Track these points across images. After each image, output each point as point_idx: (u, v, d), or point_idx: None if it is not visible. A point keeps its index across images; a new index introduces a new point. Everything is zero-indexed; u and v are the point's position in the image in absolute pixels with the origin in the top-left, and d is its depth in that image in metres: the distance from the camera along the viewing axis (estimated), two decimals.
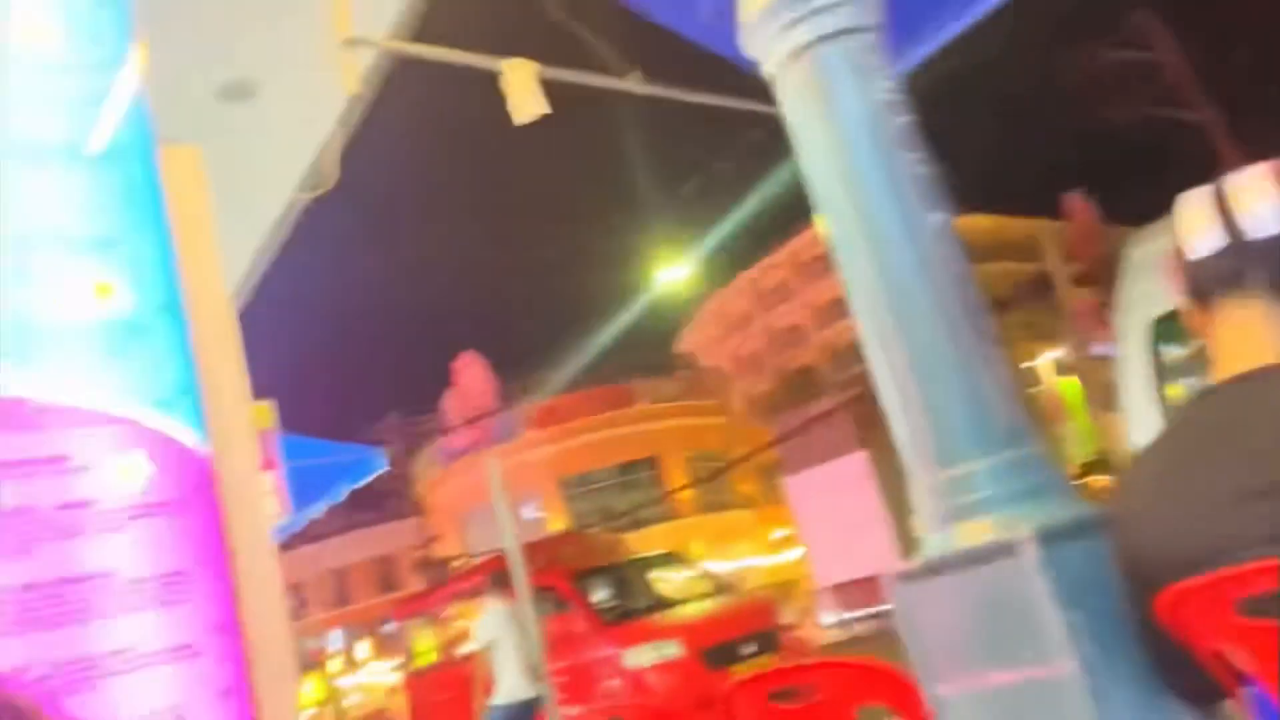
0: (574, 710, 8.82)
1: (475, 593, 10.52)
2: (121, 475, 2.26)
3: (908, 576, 1.93)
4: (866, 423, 20.64)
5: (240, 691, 2.25)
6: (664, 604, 10.11)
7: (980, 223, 37.45)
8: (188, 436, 2.40)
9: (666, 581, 10.97)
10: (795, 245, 48.19)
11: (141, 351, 2.40)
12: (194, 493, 2.36)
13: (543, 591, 8.75)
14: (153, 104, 2.64)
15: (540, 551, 10.07)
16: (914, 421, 2.02)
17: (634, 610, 9.92)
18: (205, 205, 2.89)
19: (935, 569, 1.84)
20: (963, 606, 1.79)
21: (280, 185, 4.09)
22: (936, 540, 1.93)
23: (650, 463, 34.23)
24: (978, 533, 1.82)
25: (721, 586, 11.00)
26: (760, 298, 51.16)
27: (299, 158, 3.99)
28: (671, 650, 8.76)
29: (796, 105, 2.09)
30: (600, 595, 10.34)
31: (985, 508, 1.88)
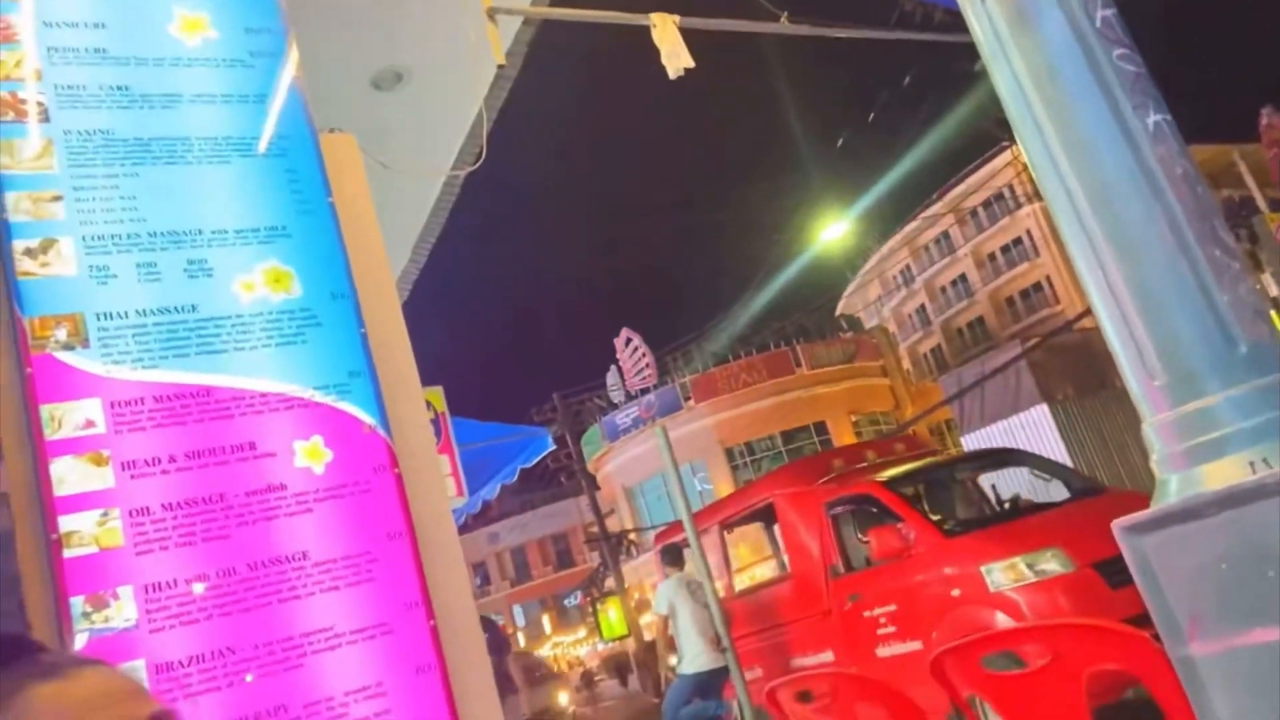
0: (907, 647, 6.46)
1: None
2: (305, 459, 2.30)
3: (1144, 526, 1.70)
4: (1046, 374, 19.44)
5: (434, 667, 2.25)
6: (1014, 511, 7.43)
7: None
8: (364, 420, 2.42)
9: (1007, 486, 8.26)
10: (954, 195, 46.14)
11: (316, 337, 2.44)
12: (374, 474, 2.38)
13: (853, 503, 7.19)
14: (308, 95, 2.67)
15: (835, 459, 8.33)
16: (1140, 351, 1.78)
17: (980, 519, 7.24)
18: (364, 192, 2.92)
19: (1179, 516, 1.61)
20: (1215, 557, 1.56)
21: (434, 167, 4.13)
22: (1177, 484, 1.69)
23: (816, 428, 33.68)
24: (1228, 473, 1.58)
25: (1089, 485, 7.78)
26: (921, 252, 49.34)
27: (451, 139, 4.01)
28: (1052, 564, 6.10)
29: (992, 12, 1.86)
30: (930, 503, 7.60)
31: (1234, 445, 1.63)
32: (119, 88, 2.45)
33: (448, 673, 2.27)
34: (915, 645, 6.38)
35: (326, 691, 2.13)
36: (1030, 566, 6.12)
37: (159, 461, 2.15)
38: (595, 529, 29.36)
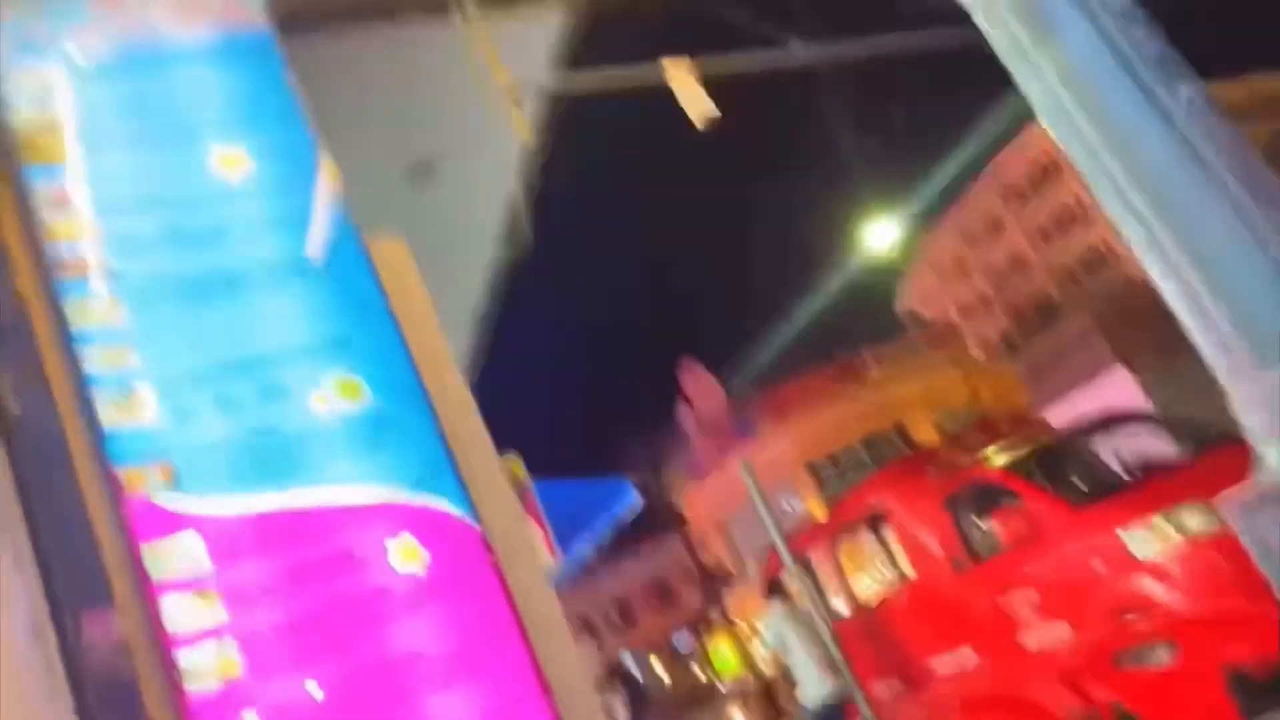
0: (1054, 631, 5.88)
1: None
2: (400, 560, 2.33)
3: (1254, 502, 1.64)
4: (1120, 334, 18.81)
5: None
6: (1144, 472, 6.85)
7: (1225, 91, 33.75)
8: (452, 512, 2.45)
9: (1124, 449, 7.43)
10: (995, 172, 45.48)
11: (393, 439, 2.49)
12: (471, 566, 2.40)
13: (970, 491, 6.79)
14: (348, 201, 2.75)
15: (939, 451, 8.10)
16: (1214, 323, 1.72)
17: (1108, 485, 6.63)
18: (418, 287, 2.98)
19: None
20: None
21: (479, 250, 4.21)
22: (1278, 457, 1.63)
23: (896, 431, 33.14)
24: None
25: (1213, 436, 6.63)
26: (972, 236, 48.64)
27: (490, 219, 4.09)
28: (1196, 519, 5.31)
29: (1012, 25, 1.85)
30: (1051, 480, 6.92)
31: None
32: (171, 231, 2.55)
33: None
34: (1063, 627, 5.85)
35: None
36: (1173, 524, 5.47)
37: (263, 586, 2.20)
38: (693, 566, 29.18)
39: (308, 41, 3.01)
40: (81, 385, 2.32)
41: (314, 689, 2.14)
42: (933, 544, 6.97)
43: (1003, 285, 48.02)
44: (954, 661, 6.84)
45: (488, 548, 2.44)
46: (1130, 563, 5.50)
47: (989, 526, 6.47)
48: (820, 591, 8.29)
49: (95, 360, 2.35)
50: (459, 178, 3.85)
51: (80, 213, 2.52)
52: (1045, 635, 5.91)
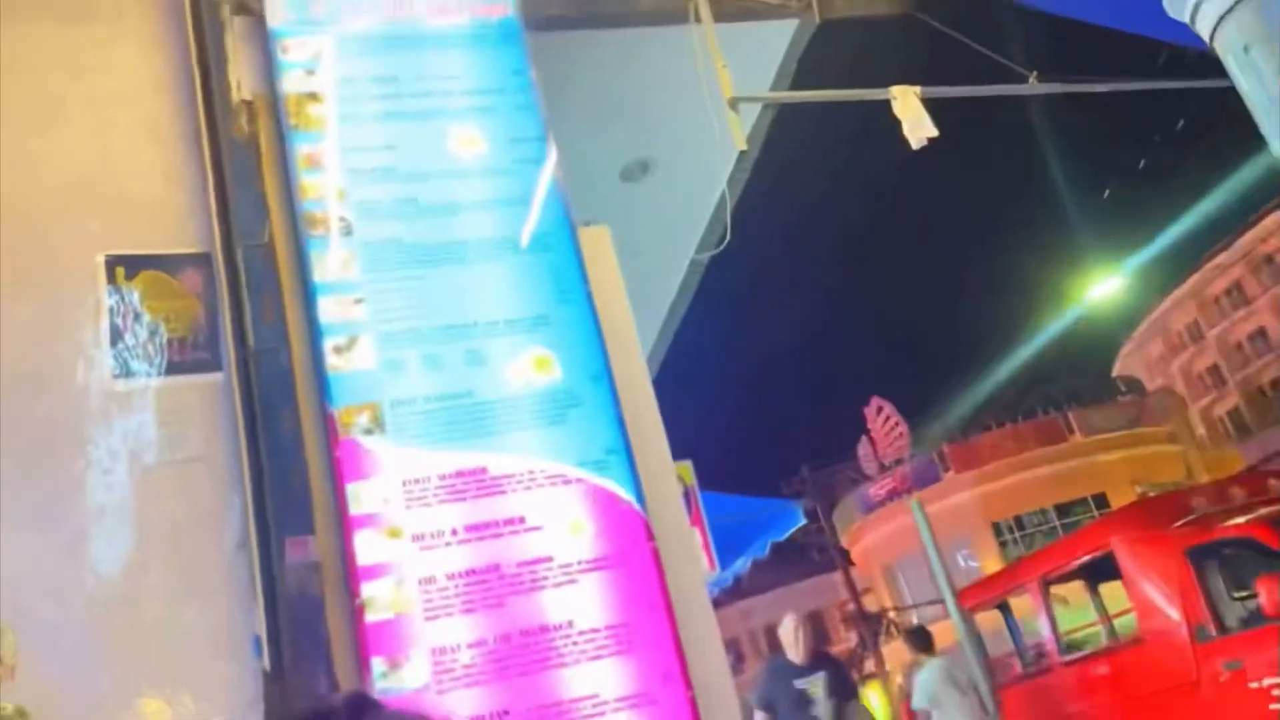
0: None
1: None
2: (569, 533, 2.44)
3: None
4: None
5: None
6: None
7: None
8: (622, 495, 2.54)
9: None
10: (1247, 240, 41.73)
11: (577, 417, 2.61)
12: (632, 548, 2.48)
13: (1226, 549, 5.92)
14: (564, 185, 2.91)
15: (1195, 499, 6.73)
16: None
17: None
18: (618, 280, 3.11)
19: None
20: None
21: (680, 251, 4.33)
22: None
23: (1095, 501, 31.01)
24: None
25: None
26: (1210, 305, 44.86)
27: (696, 223, 4.20)
28: None
29: (1249, 51, 1.75)
30: None
31: None
32: (408, 200, 2.78)
33: None
34: None
35: None
36: None
37: (443, 534, 2.36)
38: (851, 607, 28.38)
39: (549, 39, 3.20)
40: (314, 330, 2.56)
41: (475, 636, 2.27)
42: (1172, 604, 5.95)
43: (1240, 362, 44.04)
44: None
45: (651, 536, 2.52)
46: None
47: (1248, 592, 5.53)
48: (984, 651, 7.76)
49: (328, 310, 2.59)
50: (672, 177, 3.97)
51: (331, 176, 2.79)
52: None
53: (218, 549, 2.50)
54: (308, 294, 2.62)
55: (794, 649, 5.93)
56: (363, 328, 2.58)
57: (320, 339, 2.55)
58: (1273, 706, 5.08)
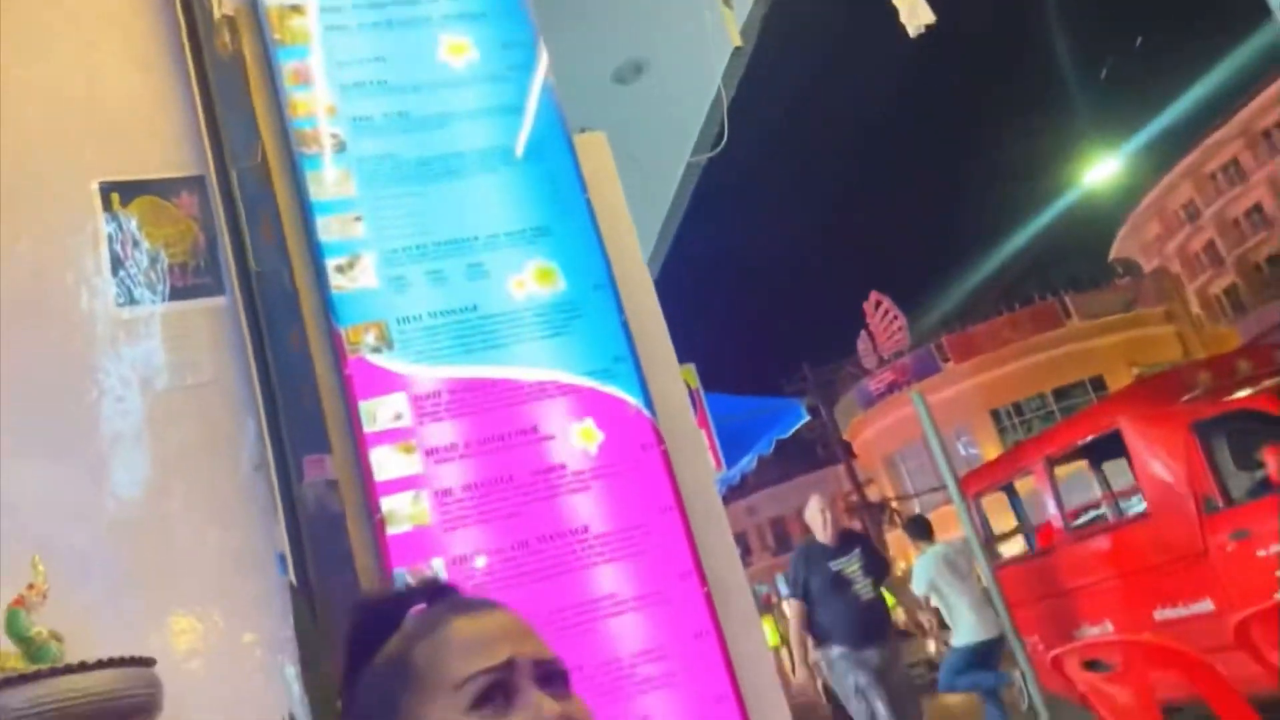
0: None
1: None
2: (580, 440, 2.48)
3: None
4: None
5: (711, 633, 2.38)
6: None
7: None
8: (630, 401, 2.58)
9: None
10: (1246, 116, 41.09)
11: (581, 327, 2.62)
12: (642, 452, 2.53)
13: (1234, 422, 5.91)
14: (559, 97, 2.86)
15: (1199, 373, 6.83)
16: None
17: None
18: (616, 186, 3.09)
19: None
20: None
21: (677, 153, 4.27)
22: None
23: (1093, 384, 31.31)
24: None
25: None
26: (1207, 183, 44.42)
27: (691, 124, 4.14)
28: None
29: None
30: None
31: None
32: (400, 114, 2.74)
33: (724, 637, 2.39)
34: None
35: (615, 653, 2.31)
36: None
37: (456, 447, 2.40)
38: (855, 498, 28.96)
39: None
40: (315, 250, 2.56)
41: (493, 545, 2.34)
42: (1179, 478, 6.01)
43: (1237, 239, 43.88)
44: (1189, 613, 5.96)
45: (660, 439, 2.56)
46: None
47: (1254, 463, 5.61)
48: (989, 533, 7.89)
49: (327, 228, 2.58)
50: (665, 78, 3.89)
51: (320, 92, 2.73)
52: None
53: (235, 471, 2.55)
54: (306, 213, 2.60)
55: (822, 531, 5.70)
56: (364, 246, 2.57)
57: (322, 258, 2.55)
58: (1279, 573, 5.20)
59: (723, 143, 3.79)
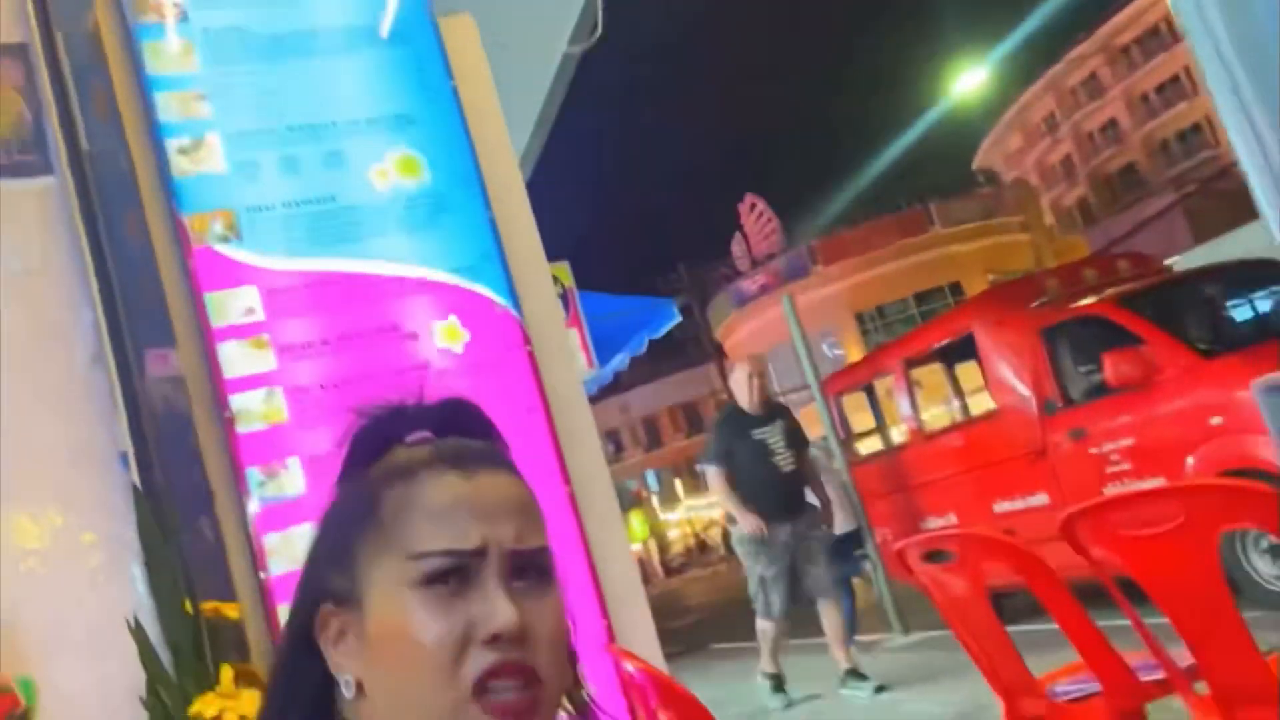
0: (1146, 484, 5.32)
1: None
2: (444, 339, 2.43)
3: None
4: (1205, 220, 18.12)
5: (572, 529, 2.41)
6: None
7: None
8: (496, 300, 2.52)
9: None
10: (1106, 31, 42.57)
11: (446, 221, 2.53)
12: (508, 352, 2.49)
13: (1077, 327, 6.12)
14: None
15: (1048, 281, 7.01)
16: None
17: (1241, 339, 5.86)
18: (485, 74, 2.95)
19: None
20: None
21: (550, 43, 4.11)
22: None
23: (951, 289, 32.68)
24: None
25: None
26: (1068, 97, 46.10)
27: (566, 12, 3.97)
28: None
29: None
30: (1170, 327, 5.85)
31: None
32: None
33: (587, 537, 2.42)
34: (1158, 481, 5.27)
35: None
36: None
37: (313, 344, 2.31)
38: (725, 397, 29.68)
39: None
40: (154, 129, 2.37)
41: None
42: (1024, 380, 6.34)
43: (1091, 152, 45.93)
44: (1023, 506, 6.36)
45: (525, 339, 2.53)
46: (1257, 422, 4.93)
47: (1093, 367, 5.88)
48: (848, 431, 8.19)
49: (168, 106, 2.39)
50: None
51: None
52: (1135, 486, 5.31)
53: (70, 363, 2.39)
54: (144, 89, 2.39)
55: (748, 399, 5.45)
56: (208, 127, 2.39)
57: (162, 139, 2.36)
58: (1109, 470, 5.63)
59: (597, 33, 3.67)
